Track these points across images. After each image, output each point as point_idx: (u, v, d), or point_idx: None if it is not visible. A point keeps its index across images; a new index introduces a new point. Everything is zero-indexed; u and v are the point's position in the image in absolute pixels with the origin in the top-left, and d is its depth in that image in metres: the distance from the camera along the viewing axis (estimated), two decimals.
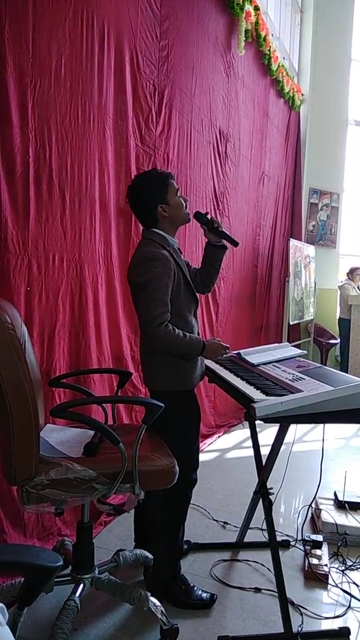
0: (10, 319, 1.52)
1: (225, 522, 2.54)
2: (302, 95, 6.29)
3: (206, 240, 2.09)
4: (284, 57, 5.66)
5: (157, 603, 1.70)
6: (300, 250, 5.65)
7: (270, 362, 2.05)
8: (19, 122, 1.92)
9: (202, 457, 2.05)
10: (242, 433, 4.03)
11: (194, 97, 3.43)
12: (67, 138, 2.19)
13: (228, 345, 1.90)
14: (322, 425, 2.09)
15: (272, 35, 4.98)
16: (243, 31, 4.00)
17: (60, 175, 2.17)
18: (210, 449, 3.63)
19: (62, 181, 2.18)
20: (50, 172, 2.10)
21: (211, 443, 3.74)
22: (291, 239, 5.41)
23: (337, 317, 6.53)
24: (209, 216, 2.05)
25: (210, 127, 3.73)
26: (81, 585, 1.70)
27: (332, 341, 6.57)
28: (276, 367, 1.98)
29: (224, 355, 1.93)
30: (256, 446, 2.09)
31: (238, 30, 3.99)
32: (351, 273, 6.31)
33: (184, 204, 1.93)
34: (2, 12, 1.80)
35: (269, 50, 4.74)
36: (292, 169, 6.16)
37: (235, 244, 2.07)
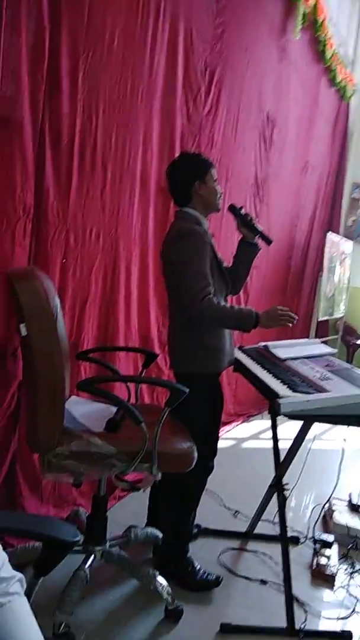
0: (45, 290, 1.53)
1: (236, 511, 2.54)
2: (354, 85, 6.07)
3: (239, 238, 2.06)
4: (339, 45, 5.46)
5: (164, 583, 1.72)
6: (337, 245, 5.51)
7: (298, 358, 2.01)
8: (69, 91, 1.90)
9: (220, 444, 2.04)
10: (260, 424, 4.01)
11: (244, 79, 3.34)
12: (114, 111, 2.17)
13: (282, 309, 1.82)
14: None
15: (329, 20, 4.79)
16: (300, 15, 3.85)
17: (105, 149, 2.15)
18: (228, 437, 3.63)
19: (106, 155, 2.17)
20: (94, 145, 2.09)
21: (229, 431, 3.74)
22: (329, 233, 5.28)
23: None
24: (243, 211, 2.01)
25: (258, 111, 3.64)
26: (92, 557, 1.73)
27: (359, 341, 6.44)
28: (305, 363, 1.95)
29: (289, 325, 1.83)
30: (275, 440, 2.07)
31: (296, 13, 3.85)
32: None
33: (219, 193, 1.92)
34: None
35: (325, 37, 4.57)
36: (337, 161, 5.98)
37: (268, 242, 2.00)
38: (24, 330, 1.49)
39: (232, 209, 2.02)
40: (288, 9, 3.81)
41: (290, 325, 1.83)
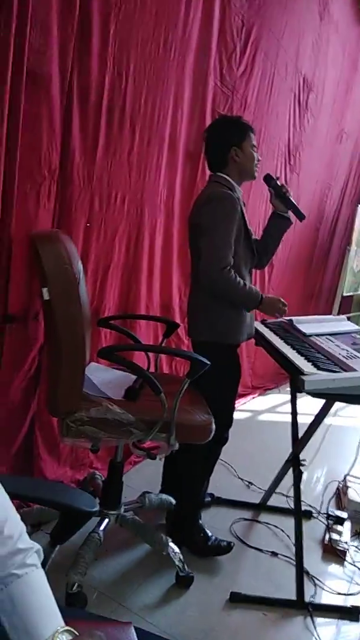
0: (68, 254, 1.50)
1: (250, 482, 2.55)
2: None
3: (271, 210, 2.00)
4: None
5: (177, 549, 1.75)
6: None
7: (323, 335, 1.97)
8: (99, 46, 1.82)
9: (235, 415, 2.03)
10: (277, 397, 4.00)
11: (282, 38, 3.17)
12: (145, 69, 2.07)
13: (286, 303, 1.84)
14: None
15: None
16: None
17: (134, 109, 2.07)
18: (244, 409, 3.63)
19: (135, 115, 2.09)
20: (123, 105, 2.01)
21: (245, 403, 3.74)
22: None
23: None
24: (279, 182, 1.96)
25: (294, 73, 3.47)
26: (106, 520, 1.76)
27: None
28: (330, 340, 1.90)
29: (279, 317, 1.87)
30: (294, 416, 2.05)
31: None
32: None
33: (256, 160, 1.87)
34: None
35: None
36: None
37: (301, 217, 1.96)
38: (46, 294, 1.48)
39: (268, 179, 1.96)
40: None
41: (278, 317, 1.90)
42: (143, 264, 2.35)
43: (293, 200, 1.95)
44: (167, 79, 2.22)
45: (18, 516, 0.74)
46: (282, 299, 1.84)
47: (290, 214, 2.00)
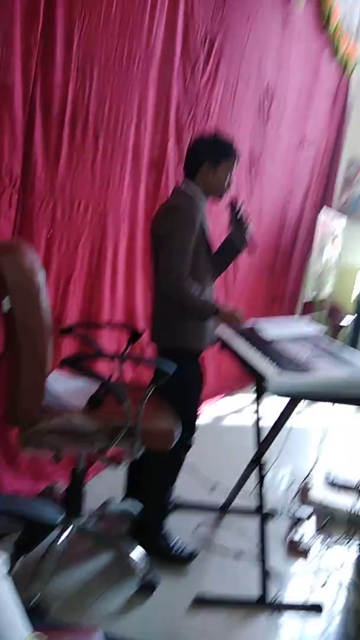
0: (30, 264, 1.50)
1: (214, 485, 2.59)
2: (356, 58, 5.90)
3: (228, 233, 2.02)
4: (344, 14, 5.29)
5: (140, 556, 1.76)
6: (329, 224, 5.48)
7: (287, 337, 2.02)
8: (63, 57, 1.83)
9: (200, 418, 2.06)
10: (242, 399, 4.06)
11: (245, 49, 3.24)
12: (108, 80, 2.10)
13: (243, 315, 1.88)
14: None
15: None
16: None
17: (97, 119, 2.09)
18: (209, 412, 3.67)
19: (98, 125, 2.11)
20: (87, 115, 2.03)
21: (210, 406, 3.78)
22: (322, 211, 5.24)
23: (355, 297, 6.42)
24: (241, 210, 1.96)
25: (257, 82, 3.54)
26: (68, 530, 1.76)
27: (344, 322, 6.49)
28: (293, 342, 1.95)
29: (240, 324, 1.90)
30: (258, 418, 2.10)
31: None
32: None
33: (226, 186, 1.89)
34: None
35: (330, 7, 4.42)
36: (334, 138, 5.88)
37: (252, 249, 1.99)
38: (6, 305, 1.47)
39: (232, 205, 1.97)
40: None
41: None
42: (106, 272, 2.37)
43: (249, 232, 1.96)
44: (131, 89, 2.24)
45: None
46: (238, 309, 1.87)
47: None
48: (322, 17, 4.42)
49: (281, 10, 3.63)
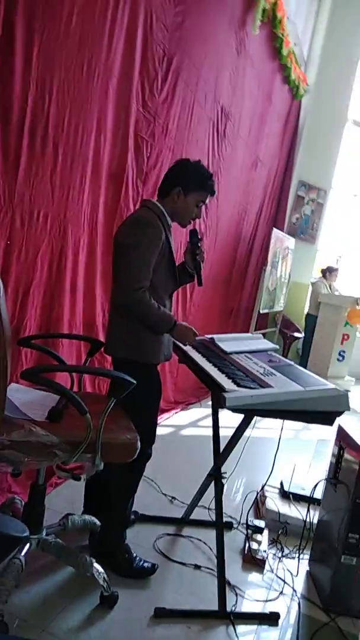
0: None
1: (173, 497, 2.59)
2: (307, 85, 6.22)
3: (182, 259, 2.04)
4: (294, 43, 5.56)
5: (100, 569, 1.74)
6: (281, 241, 5.68)
7: (242, 352, 2.07)
8: (22, 67, 1.83)
9: (158, 430, 2.07)
10: (199, 412, 4.10)
11: (201, 69, 3.34)
12: (68, 92, 2.11)
13: (197, 333, 1.90)
14: None
15: (287, 18, 4.87)
16: (260, 10, 3.90)
17: (56, 130, 2.09)
18: (167, 424, 3.68)
19: (57, 136, 2.11)
20: (46, 125, 2.02)
21: (168, 418, 3.79)
22: (274, 229, 5.42)
23: (305, 312, 6.65)
24: (200, 243, 2.00)
25: (213, 102, 3.66)
26: (28, 545, 1.71)
27: (296, 334, 6.70)
28: (248, 358, 2.01)
29: (193, 342, 1.93)
30: (216, 431, 2.13)
31: (256, 8, 3.88)
32: (327, 272, 6.41)
33: (193, 216, 1.93)
34: None
35: (283, 34, 4.65)
36: (285, 159, 6.13)
37: (200, 283, 2.02)
38: None
39: (193, 235, 2.00)
40: (249, 3, 3.84)
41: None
42: (66, 282, 2.35)
43: (201, 265, 2.00)
44: (91, 101, 2.26)
45: None
46: (194, 329, 1.88)
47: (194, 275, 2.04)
48: (274, 42, 4.63)
49: (236, 34, 3.77)
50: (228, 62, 3.77)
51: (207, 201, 1.94)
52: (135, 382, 1.60)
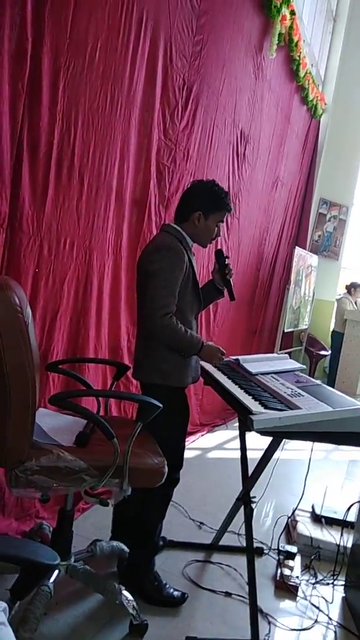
0: (18, 301, 1.51)
1: (201, 523, 2.56)
2: (325, 104, 6.26)
3: (211, 277, 2.10)
4: (311, 64, 5.63)
5: (129, 597, 1.72)
6: (304, 259, 5.66)
7: (269, 373, 2.06)
8: (49, 102, 1.90)
9: (185, 454, 2.06)
10: (225, 434, 4.06)
11: (220, 95, 3.40)
12: (92, 123, 2.17)
13: (224, 352, 1.91)
14: None
15: (304, 41, 4.95)
16: (277, 34, 3.97)
17: (82, 160, 2.15)
18: (193, 447, 3.65)
19: (83, 166, 2.17)
20: (72, 156, 2.09)
21: (194, 441, 3.76)
22: (297, 247, 5.41)
23: (331, 330, 6.57)
24: (227, 261, 2.05)
25: (232, 127, 3.71)
26: (56, 572, 1.71)
27: (322, 352, 6.61)
28: (275, 379, 1.99)
29: (220, 362, 1.94)
30: (244, 453, 2.11)
31: (272, 33, 3.96)
32: (352, 288, 6.34)
33: (213, 236, 1.96)
34: None
35: (299, 56, 4.71)
36: (306, 177, 6.15)
37: (232, 297, 2.06)
38: None
39: (219, 255, 2.05)
40: (265, 28, 3.91)
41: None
42: (91, 307, 2.39)
43: (231, 281, 2.04)
44: (114, 132, 2.33)
45: None
46: (221, 348, 1.89)
47: (225, 291, 2.09)
48: (291, 65, 4.70)
49: (254, 59, 3.85)
50: (246, 86, 3.84)
51: (224, 219, 1.97)
52: (162, 405, 1.60)
